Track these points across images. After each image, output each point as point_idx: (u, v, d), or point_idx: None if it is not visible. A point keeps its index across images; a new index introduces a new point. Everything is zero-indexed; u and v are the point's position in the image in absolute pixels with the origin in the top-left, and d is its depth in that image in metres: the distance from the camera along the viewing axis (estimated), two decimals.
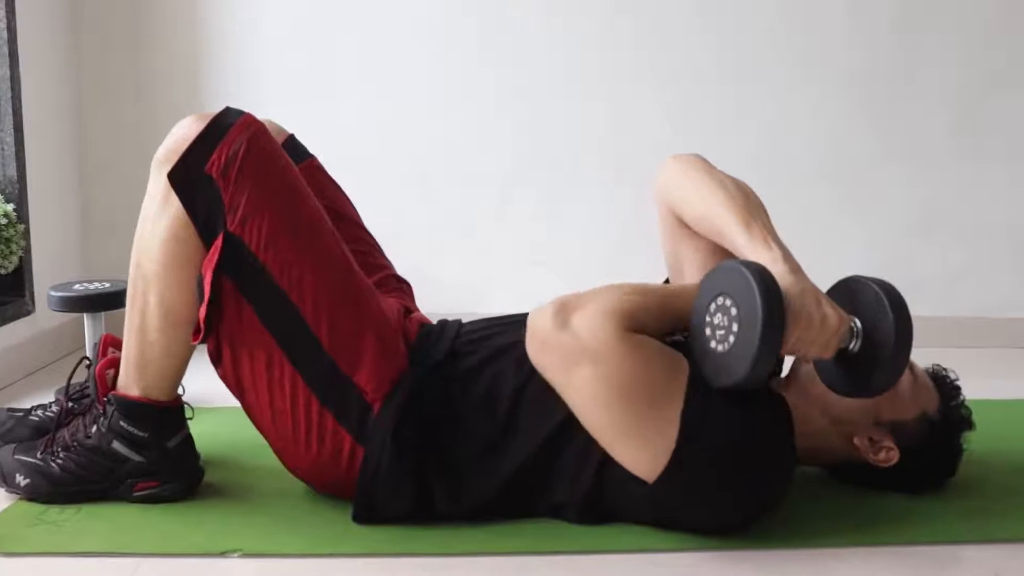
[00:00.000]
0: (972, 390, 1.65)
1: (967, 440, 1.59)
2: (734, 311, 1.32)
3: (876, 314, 1.37)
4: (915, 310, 2.78)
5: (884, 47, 2.69)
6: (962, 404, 1.58)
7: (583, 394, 1.37)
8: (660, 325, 1.43)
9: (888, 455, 1.52)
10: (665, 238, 1.67)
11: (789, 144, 2.72)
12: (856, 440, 1.52)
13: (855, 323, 1.38)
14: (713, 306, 1.36)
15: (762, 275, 1.30)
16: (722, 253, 1.51)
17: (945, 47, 2.69)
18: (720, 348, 1.34)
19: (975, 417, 1.60)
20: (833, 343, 1.36)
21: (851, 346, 1.38)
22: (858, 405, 1.50)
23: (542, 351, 1.40)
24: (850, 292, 1.43)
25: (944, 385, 1.58)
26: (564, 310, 1.38)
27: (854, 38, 2.70)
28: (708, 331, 1.37)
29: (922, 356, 1.64)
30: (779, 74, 2.72)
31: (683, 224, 1.59)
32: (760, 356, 1.28)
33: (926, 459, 1.56)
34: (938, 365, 1.63)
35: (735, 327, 1.31)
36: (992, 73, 2.69)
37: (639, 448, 1.36)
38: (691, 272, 1.62)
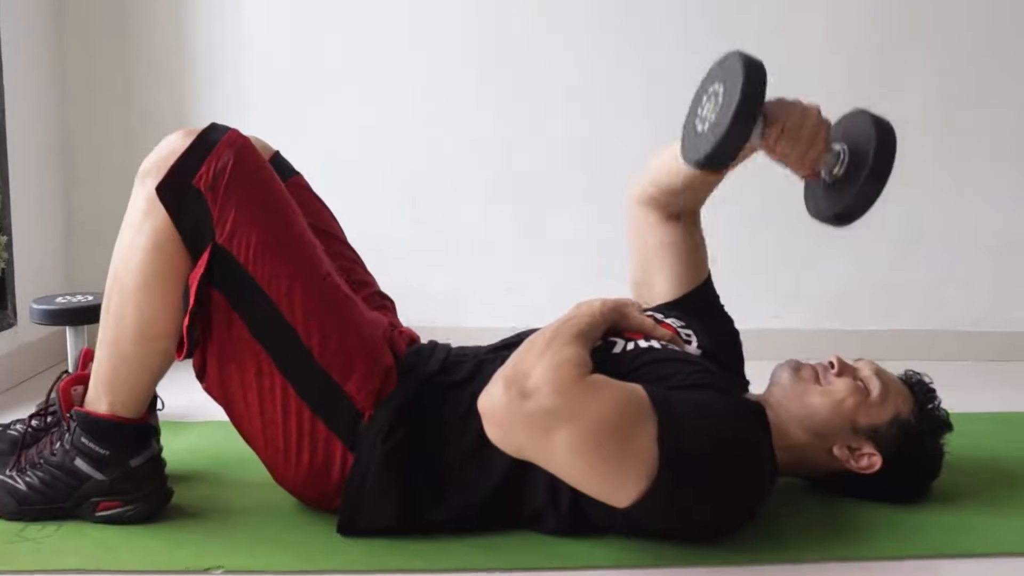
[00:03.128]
0: (953, 403, 1.66)
1: (947, 441, 1.61)
2: (721, 90, 1.36)
3: (860, 131, 1.42)
4: (896, 324, 2.82)
5: (864, 65, 2.71)
6: (938, 406, 1.60)
7: (565, 457, 1.33)
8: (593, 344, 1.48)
9: (871, 461, 1.53)
10: (635, 237, 1.76)
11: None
12: (836, 451, 1.54)
13: (843, 148, 1.42)
14: (704, 97, 1.41)
15: (753, 58, 1.36)
16: (692, 240, 1.72)
17: (925, 64, 2.71)
18: (703, 128, 1.38)
19: (956, 430, 1.61)
20: (819, 141, 1.41)
21: (836, 170, 1.42)
22: (834, 414, 1.53)
23: (510, 431, 1.34)
24: (840, 125, 1.47)
25: (918, 389, 1.60)
26: (514, 382, 1.33)
27: (834, 57, 2.72)
28: (697, 120, 1.41)
29: (903, 369, 1.66)
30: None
31: (653, 209, 1.72)
32: (737, 117, 1.32)
33: (908, 463, 1.57)
34: (911, 370, 1.65)
35: (720, 99, 1.35)
36: (971, 90, 2.72)
37: (617, 483, 1.34)
38: (661, 271, 1.72)
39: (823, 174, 1.44)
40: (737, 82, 1.33)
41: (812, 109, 1.43)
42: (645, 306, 1.69)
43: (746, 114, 1.33)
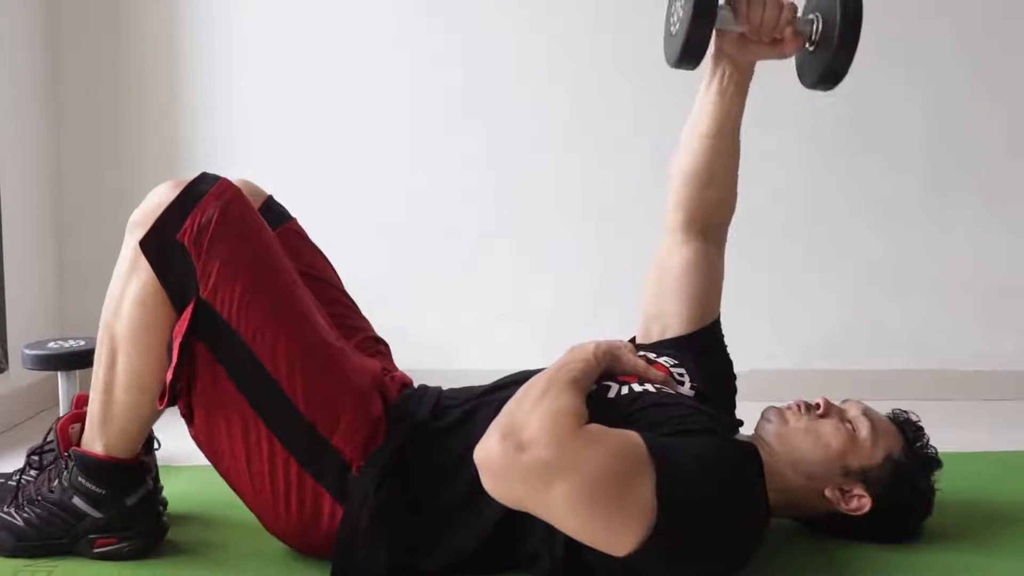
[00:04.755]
0: (945, 443, 1.67)
1: (938, 480, 1.61)
2: None
3: None
4: (886, 363, 2.83)
5: (852, 104, 2.74)
6: (927, 444, 1.61)
7: (563, 508, 1.33)
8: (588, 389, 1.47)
9: (860, 503, 1.54)
10: (659, 261, 1.76)
11: (763, 200, 2.75)
12: (827, 492, 1.54)
13: (816, 16, 1.54)
14: (674, 7, 1.53)
15: None
16: (712, 271, 1.73)
17: (911, 103, 2.74)
18: (676, 28, 1.50)
19: (950, 471, 1.62)
20: (787, 10, 1.52)
21: (814, 37, 1.55)
22: (824, 457, 1.53)
23: (507, 484, 1.33)
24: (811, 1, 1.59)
25: (907, 428, 1.61)
26: (510, 433, 1.32)
27: (823, 96, 2.74)
28: (671, 25, 1.54)
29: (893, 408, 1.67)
30: (753, 131, 2.74)
31: (684, 227, 1.72)
32: (698, 8, 1.44)
33: (900, 502, 1.57)
34: (898, 409, 1.66)
35: None
36: (959, 128, 2.75)
37: (616, 533, 1.34)
38: (675, 305, 1.72)
39: (806, 44, 1.56)
40: None
41: None
42: (652, 341, 1.70)
43: None
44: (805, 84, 1.62)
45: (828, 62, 1.53)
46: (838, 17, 1.49)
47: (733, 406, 1.72)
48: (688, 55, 1.49)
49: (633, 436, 1.37)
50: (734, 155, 1.70)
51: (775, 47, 1.57)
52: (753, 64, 1.62)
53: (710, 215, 1.73)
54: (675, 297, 1.73)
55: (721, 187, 1.72)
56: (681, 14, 1.49)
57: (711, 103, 1.65)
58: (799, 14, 1.56)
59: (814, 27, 1.54)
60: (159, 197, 1.47)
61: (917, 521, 1.64)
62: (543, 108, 2.77)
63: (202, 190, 1.47)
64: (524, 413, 1.35)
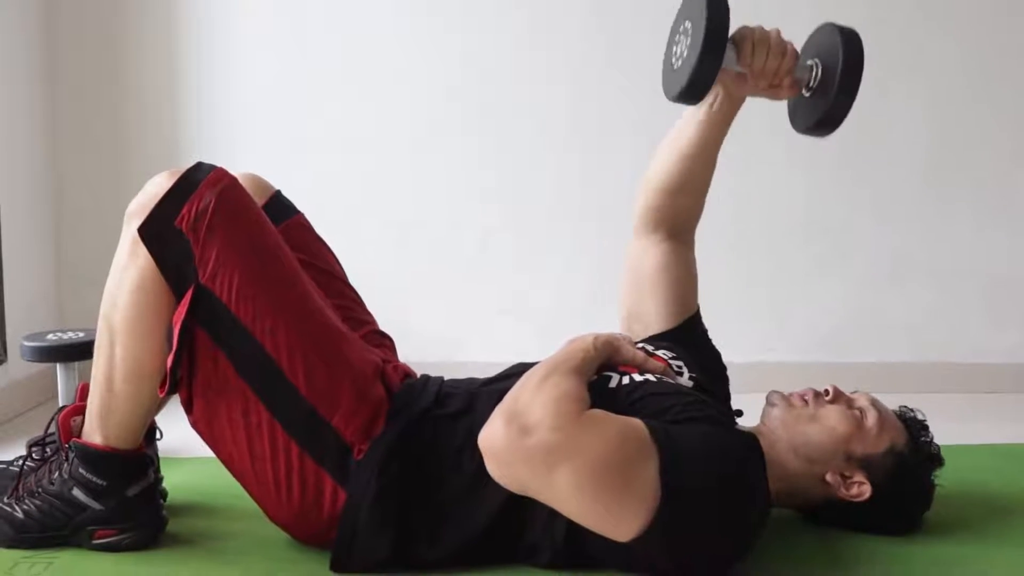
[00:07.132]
0: (943, 435, 1.67)
1: (938, 474, 1.62)
2: (690, 25, 1.45)
3: (829, 44, 1.51)
4: (886, 356, 2.83)
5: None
6: (931, 441, 1.61)
7: (567, 492, 1.34)
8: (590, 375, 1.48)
9: (860, 490, 1.54)
10: (632, 263, 1.77)
11: (764, 195, 2.76)
12: (828, 477, 1.54)
13: (815, 62, 1.52)
14: (676, 38, 1.50)
15: None
16: (686, 266, 1.73)
17: (913, 98, 2.75)
18: (679, 63, 1.47)
19: (949, 462, 1.62)
20: (789, 49, 1.50)
21: (812, 83, 1.52)
22: (829, 441, 1.54)
23: (511, 467, 1.34)
24: (811, 43, 1.56)
25: (912, 424, 1.62)
26: (514, 418, 1.34)
27: None
28: (673, 58, 1.51)
29: (894, 401, 1.67)
30: (753, 126, 2.75)
31: (656, 226, 1.74)
32: (708, 42, 1.41)
33: (900, 494, 1.58)
34: (904, 406, 1.66)
35: (691, 33, 1.44)
36: (959, 122, 2.76)
37: (620, 517, 1.35)
38: (653, 301, 1.73)
39: (803, 90, 1.54)
40: (703, 12, 1.42)
41: (774, 31, 1.53)
42: (636, 339, 1.70)
43: (716, 38, 1.42)
44: (797, 128, 1.59)
45: (827, 109, 1.50)
46: (839, 66, 1.46)
47: (728, 396, 1.73)
48: (691, 93, 1.47)
49: (636, 422, 1.38)
50: (711, 170, 1.71)
51: (771, 90, 1.56)
52: (745, 98, 1.60)
53: (681, 219, 1.76)
54: (652, 296, 1.75)
55: (695, 196, 1.75)
56: (686, 51, 1.46)
57: (698, 125, 1.63)
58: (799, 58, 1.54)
59: (813, 74, 1.52)
60: (156, 187, 1.48)
61: (916, 514, 1.65)
62: (543, 107, 2.78)
63: (198, 178, 1.48)
64: (528, 398, 1.36)
